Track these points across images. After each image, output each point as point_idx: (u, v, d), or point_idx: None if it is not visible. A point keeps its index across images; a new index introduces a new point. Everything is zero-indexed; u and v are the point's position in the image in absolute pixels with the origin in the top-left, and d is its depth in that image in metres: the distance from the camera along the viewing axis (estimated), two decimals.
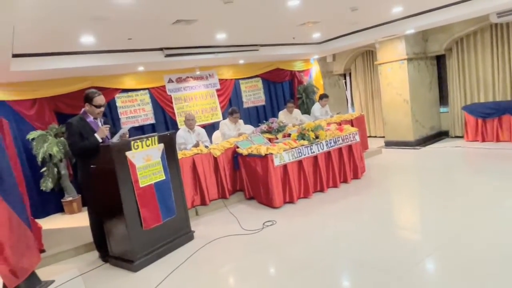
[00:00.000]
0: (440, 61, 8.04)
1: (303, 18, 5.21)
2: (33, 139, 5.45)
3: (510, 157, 5.59)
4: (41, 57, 4.68)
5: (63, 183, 5.68)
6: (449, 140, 7.70)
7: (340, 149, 5.32)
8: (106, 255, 3.70)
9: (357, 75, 9.55)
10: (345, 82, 10.03)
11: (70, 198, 5.69)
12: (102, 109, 3.64)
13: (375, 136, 9.24)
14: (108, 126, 3.64)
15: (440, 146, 7.30)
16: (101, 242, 3.71)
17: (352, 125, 6.29)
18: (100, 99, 3.58)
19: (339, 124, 6.32)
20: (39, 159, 5.38)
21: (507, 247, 2.87)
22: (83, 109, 3.64)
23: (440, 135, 8.05)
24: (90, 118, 3.61)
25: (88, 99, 3.55)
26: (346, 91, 10.06)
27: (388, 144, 7.94)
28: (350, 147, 5.45)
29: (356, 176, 5.51)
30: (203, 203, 4.98)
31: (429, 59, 7.88)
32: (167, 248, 3.71)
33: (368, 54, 9.07)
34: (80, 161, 3.67)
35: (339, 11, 5.11)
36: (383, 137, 8.31)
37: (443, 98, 8.14)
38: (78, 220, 5.08)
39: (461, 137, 7.54)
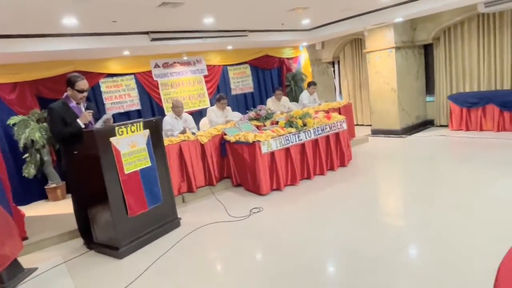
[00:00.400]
0: (427, 50, 8.08)
1: (293, 3, 5.13)
2: (14, 124, 5.29)
3: (493, 146, 5.72)
4: (20, 38, 4.50)
5: (46, 170, 5.56)
6: (434, 129, 7.81)
7: (327, 137, 5.34)
8: (90, 242, 3.66)
9: (345, 63, 9.54)
10: (334, 70, 10.02)
11: (54, 185, 5.58)
12: (85, 94, 3.53)
13: (362, 125, 9.31)
14: (91, 111, 3.55)
15: (425, 134, 7.41)
16: (85, 229, 3.66)
17: (340, 113, 6.30)
18: (83, 84, 3.46)
19: (327, 112, 6.32)
20: (21, 145, 5.24)
21: (489, 233, 2.94)
22: (65, 94, 3.53)
23: (425, 124, 8.16)
24: (73, 103, 3.50)
25: (71, 83, 3.44)
26: (335, 79, 10.06)
27: (375, 132, 8.01)
28: (337, 135, 5.47)
29: (343, 164, 5.55)
30: (190, 190, 4.95)
31: (416, 48, 7.91)
32: (153, 235, 3.69)
33: (357, 42, 9.05)
34: (63, 147, 3.57)
35: None
36: (370, 125, 8.37)
37: (430, 87, 8.22)
38: (62, 207, 5.00)
39: (446, 126, 7.66)
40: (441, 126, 7.88)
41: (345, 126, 5.58)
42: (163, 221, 3.83)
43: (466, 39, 7.15)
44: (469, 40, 7.11)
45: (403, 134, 7.55)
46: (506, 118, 6.51)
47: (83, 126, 3.40)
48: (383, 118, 7.82)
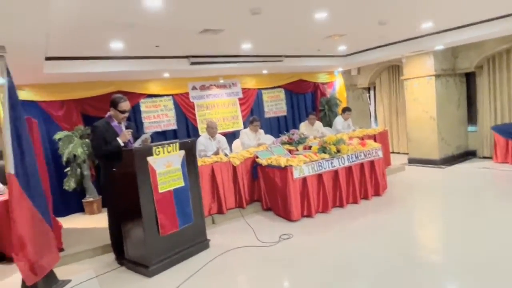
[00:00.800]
0: (469, 78, 7.79)
1: (330, 30, 5.17)
2: (59, 139, 5.62)
3: None
4: (72, 60, 4.84)
5: (85, 184, 5.81)
6: (476, 161, 7.41)
7: (361, 164, 5.20)
8: (122, 258, 3.72)
9: (381, 90, 9.38)
10: (369, 96, 9.88)
11: (91, 199, 5.80)
12: (126, 114, 3.72)
13: (398, 153, 9.01)
14: (131, 130, 3.71)
15: (467, 166, 7.03)
16: (118, 245, 3.74)
17: (375, 140, 6.16)
18: (125, 105, 3.66)
19: (362, 138, 6.20)
20: (64, 159, 5.53)
21: None
22: (108, 113, 3.72)
23: (466, 155, 7.76)
24: (115, 122, 3.69)
25: (114, 104, 3.64)
26: (370, 105, 9.90)
27: (412, 161, 7.71)
28: (372, 162, 5.32)
29: (377, 193, 5.36)
30: (220, 211, 4.96)
31: (458, 76, 7.66)
32: (183, 255, 3.70)
33: (394, 69, 8.91)
34: (103, 163, 3.74)
35: (367, 25, 5.05)
36: (407, 154, 8.09)
37: (472, 117, 7.86)
38: (97, 221, 5.17)
39: (490, 158, 7.24)
40: (484, 157, 7.46)
41: (380, 154, 5.42)
42: (193, 242, 3.84)
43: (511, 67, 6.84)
44: None
45: (442, 165, 7.21)
46: None
47: (122, 144, 3.55)
48: (421, 147, 7.53)
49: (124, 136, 3.59)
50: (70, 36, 3.84)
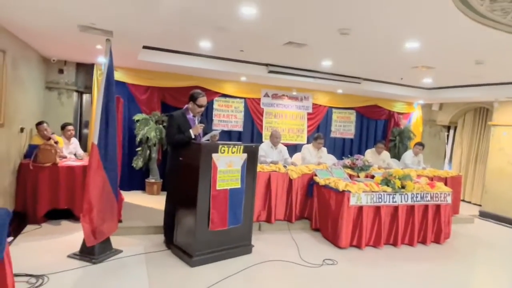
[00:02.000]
0: None
1: (418, 61, 4.94)
2: (138, 120, 6.12)
3: None
4: (164, 52, 5.25)
5: (151, 165, 6.25)
6: None
7: (426, 206, 4.85)
8: (170, 242, 3.92)
9: (463, 131, 8.64)
10: (447, 136, 9.17)
11: (153, 180, 6.22)
12: (203, 109, 3.94)
13: (469, 202, 8.21)
14: (203, 125, 3.91)
15: None
16: (169, 229, 3.95)
17: (446, 184, 5.69)
18: (203, 100, 3.88)
19: (431, 179, 5.78)
20: (138, 139, 6.02)
21: None
22: (186, 106, 3.97)
23: None
24: (190, 115, 3.92)
25: (193, 98, 3.87)
26: (447, 145, 9.18)
27: (484, 215, 6.98)
28: (438, 207, 4.93)
29: (437, 241, 4.94)
30: (268, 220, 4.98)
31: None
32: (225, 254, 3.78)
33: (482, 111, 8.16)
34: (172, 150, 3.99)
35: (461, 62, 4.73)
36: (479, 205, 7.34)
37: None
38: (155, 202, 5.50)
39: None
40: None
41: (449, 200, 5.00)
42: (237, 243, 3.91)
43: None
44: None
45: None
46: None
47: (193, 136, 3.76)
48: (498, 202, 6.78)
49: (196, 129, 3.80)
50: (168, 30, 4.17)
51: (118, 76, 5.96)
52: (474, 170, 8.31)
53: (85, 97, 6.58)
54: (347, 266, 3.94)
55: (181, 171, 3.74)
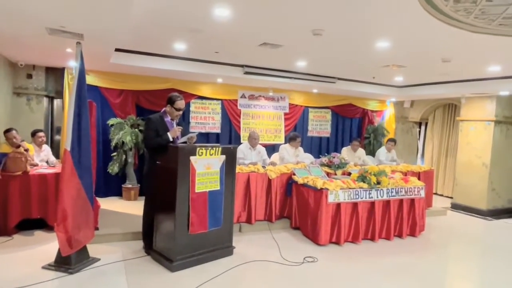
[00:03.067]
0: None
1: (389, 60, 5.09)
2: (112, 125, 5.98)
3: None
4: (137, 54, 5.17)
5: (127, 170, 6.12)
6: None
7: (401, 201, 5.00)
8: (149, 248, 3.86)
9: (433, 127, 8.99)
10: (419, 131, 9.50)
11: (130, 185, 6.09)
12: (180, 112, 3.91)
13: (442, 195, 8.54)
14: (181, 128, 3.88)
15: None
16: (147, 234, 3.89)
17: (419, 178, 5.89)
18: (181, 103, 3.85)
19: (405, 174, 5.96)
20: (113, 144, 5.88)
21: None
22: (163, 109, 3.92)
23: None
24: (168, 118, 3.88)
25: (171, 101, 3.84)
26: (419, 141, 9.50)
27: (455, 207, 7.27)
28: (412, 201, 5.09)
29: (413, 234, 5.11)
30: (249, 221, 4.99)
31: None
32: (206, 257, 3.76)
33: (451, 107, 8.51)
34: (149, 154, 3.93)
35: (430, 60, 4.92)
36: (451, 198, 7.65)
37: None
38: (132, 208, 5.39)
39: None
40: None
41: (423, 193, 5.18)
42: (218, 246, 3.90)
43: None
44: None
45: (489, 216, 6.73)
46: None
47: (171, 139, 3.72)
48: (468, 194, 7.09)
49: (174, 132, 3.76)
50: (141, 32, 4.10)
51: (90, 80, 5.80)
52: (445, 164, 8.65)
53: (56, 102, 6.36)
54: (327, 262, 4.01)
55: (159, 175, 3.69)
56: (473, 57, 4.62)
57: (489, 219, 6.64)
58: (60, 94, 6.03)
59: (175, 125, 3.88)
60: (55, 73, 6.01)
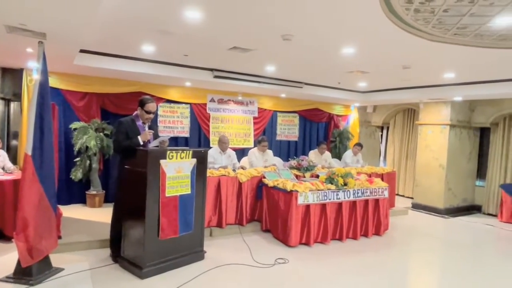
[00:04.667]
0: (484, 133, 7.82)
1: (353, 66, 5.30)
2: (75, 129, 5.73)
3: None
4: (103, 56, 5.01)
5: (92, 176, 5.88)
6: (480, 216, 7.33)
7: (366, 201, 5.20)
8: (117, 256, 3.73)
9: (394, 131, 9.44)
10: (381, 135, 9.93)
11: (95, 192, 5.85)
12: (152, 115, 3.84)
13: (403, 196, 8.96)
14: (152, 131, 3.80)
15: (471, 220, 6.96)
16: (115, 241, 3.76)
17: (382, 180, 6.15)
18: (151, 106, 3.79)
19: (369, 175, 6.20)
20: (76, 149, 5.63)
21: None
22: (135, 112, 3.84)
23: (472, 209, 7.69)
24: (140, 122, 3.80)
25: (142, 104, 3.77)
26: (381, 144, 9.94)
27: (416, 206, 7.66)
28: (377, 201, 5.31)
29: (378, 233, 5.32)
30: (219, 225, 4.96)
31: (472, 129, 7.70)
32: (177, 263, 3.69)
33: (410, 112, 8.99)
34: (119, 158, 3.79)
35: (391, 67, 5.17)
36: (412, 198, 8.05)
37: (481, 172, 7.84)
38: (98, 215, 5.19)
39: (494, 215, 7.16)
40: (489, 214, 7.38)
41: (386, 194, 5.42)
42: (189, 251, 3.84)
43: None
44: None
45: (445, 215, 7.15)
46: None
47: (141, 143, 3.64)
48: (427, 194, 7.50)
49: (145, 135, 3.69)
50: (108, 33, 3.99)
51: (51, 82, 5.41)
52: (405, 166, 9.09)
53: (13, 105, 5.99)
54: (298, 263, 4.08)
55: (128, 179, 3.59)
56: (430, 64, 4.93)
57: (446, 217, 7.06)
58: (17, 97, 5.69)
59: (146, 129, 3.80)
60: (13, 74, 5.66)
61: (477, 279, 3.96)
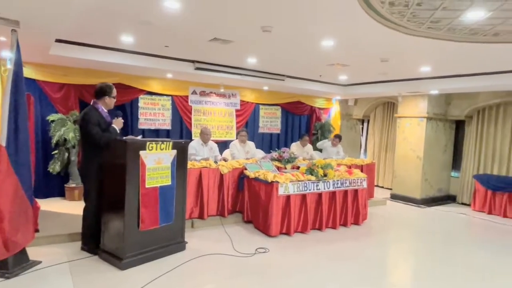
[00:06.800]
0: (459, 125, 8.08)
1: (334, 59, 5.37)
2: (52, 121, 5.61)
3: None
4: (80, 46, 4.90)
5: (70, 169, 5.79)
6: (455, 206, 7.61)
7: (345, 192, 5.32)
8: (96, 248, 3.70)
9: (375, 124, 9.64)
10: (362, 128, 10.12)
11: (74, 185, 5.77)
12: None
13: (382, 187, 9.19)
14: (122, 119, 3.85)
15: (445, 209, 7.21)
16: (93, 234, 3.72)
17: (362, 171, 6.29)
18: (115, 92, 3.88)
19: (349, 167, 6.33)
20: (54, 141, 5.52)
21: None
22: (94, 101, 3.81)
23: (446, 199, 7.97)
24: (103, 110, 3.77)
25: (107, 92, 3.79)
26: (362, 136, 10.13)
27: (394, 197, 7.88)
28: (356, 191, 5.44)
29: (356, 222, 5.46)
30: (201, 216, 4.99)
31: (448, 122, 7.94)
32: (158, 253, 3.71)
33: (390, 105, 9.18)
34: (89, 150, 3.72)
35: (370, 60, 5.27)
36: (390, 189, 8.26)
37: (456, 163, 8.12)
38: (76, 208, 5.05)
39: (468, 205, 7.45)
40: (462, 204, 7.67)
41: (365, 184, 5.55)
42: (170, 242, 3.86)
43: (500, 122, 7.12)
44: (503, 124, 7.08)
45: (422, 204, 7.39)
46: None
47: (118, 131, 3.62)
48: (405, 185, 7.72)
49: (119, 123, 3.68)
50: (84, 22, 3.92)
51: (26, 72, 5.34)
52: (385, 158, 9.31)
53: None
54: (278, 252, 4.16)
55: (106, 172, 3.56)
56: (407, 57, 5.05)
57: (422, 207, 7.29)
58: None
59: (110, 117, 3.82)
60: None
61: (450, 265, 4.14)
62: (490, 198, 6.83)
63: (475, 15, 3.13)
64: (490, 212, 6.80)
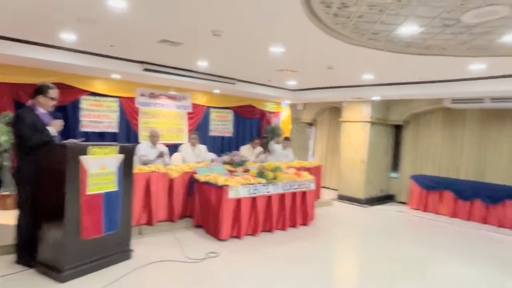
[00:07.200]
0: (398, 130, 8.69)
1: (283, 65, 5.52)
2: None
3: (445, 231, 6.03)
4: (15, 42, 4.53)
5: (2, 176, 5.30)
6: (394, 204, 8.16)
7: (294, 194, 5.47)
8: (32, 260, 3.43)
9: (322, 128, 10.04)
10: (310, 132, 10.48)
11: (7, 193, 5.29)
12: (55, 102, 3.64)
13: (329, 188, 9.57)
14: (62, 121, 3.59)
15: (386, 208, 7.72)
16: (26, 245, 3.44)
17: (310, 173, 6.51)
18: (54, 92, 3.59)
19: (298, 169, 6.53)
20: None
21: None
22: (31, 101, 3.55)
23: (387, 198, 8.52)
24: (40, 111, 3.51)
25: (43, 91, 3.52)
26: (310, 140, 10.48)
27: (340, 197, 8.26)
28: (304, 193, 5.62)
29: (305, 223, 5.64)
30: (149, 223, 4.83)
31: (389, 126, 8.51)
32: (101, 263, 3.52)
33: (335, 110, 9.61)
34: (26, 154, 3.43)
35: (317, 66, 5.49)
36: (337, 190, 8.65)
37: (396, 165, 8.72)
38: (10, 218, 4.67)
39: (405, 203, 8.03)
40: (401, 202, 8.25)
41: (313, 186, 5.76)
42: (115, 250, 3.69)
43: (432, 127, 7.81)
44: (435, 129, 7.76)
45: (366, 204, 7.82)
46: (460, 206, 6.91)
47: (54, 134, 3.39)
48: (350, 186, 8.12)
49: (56, 125, 3.46)
50: (21, 17, 3.63)
51: None
52: (331, 161, 9.73)
53: None
54: (229, 256, 4.16)
55: (43, 177, 3.32)
56: (351, 65, 5.34)
57: (366, 206, 7.73)
58: None
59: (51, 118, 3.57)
60: None
61: (391, 260, 4.44)
62: (425, 197, 7.43)
63: (408, 30, 3.41)
64: (425, 210, 7.39)
